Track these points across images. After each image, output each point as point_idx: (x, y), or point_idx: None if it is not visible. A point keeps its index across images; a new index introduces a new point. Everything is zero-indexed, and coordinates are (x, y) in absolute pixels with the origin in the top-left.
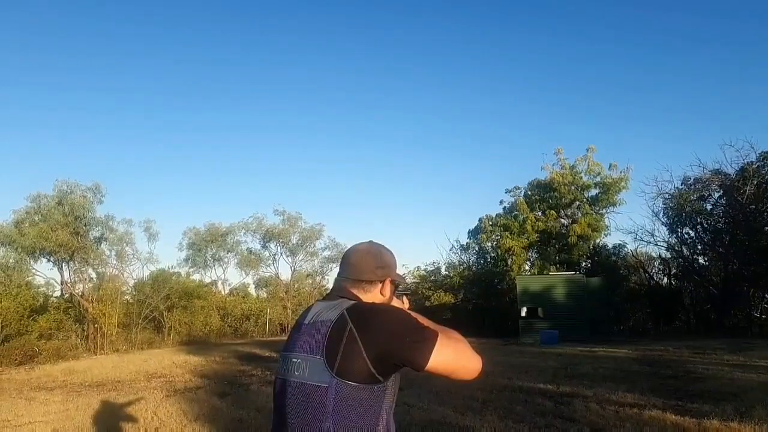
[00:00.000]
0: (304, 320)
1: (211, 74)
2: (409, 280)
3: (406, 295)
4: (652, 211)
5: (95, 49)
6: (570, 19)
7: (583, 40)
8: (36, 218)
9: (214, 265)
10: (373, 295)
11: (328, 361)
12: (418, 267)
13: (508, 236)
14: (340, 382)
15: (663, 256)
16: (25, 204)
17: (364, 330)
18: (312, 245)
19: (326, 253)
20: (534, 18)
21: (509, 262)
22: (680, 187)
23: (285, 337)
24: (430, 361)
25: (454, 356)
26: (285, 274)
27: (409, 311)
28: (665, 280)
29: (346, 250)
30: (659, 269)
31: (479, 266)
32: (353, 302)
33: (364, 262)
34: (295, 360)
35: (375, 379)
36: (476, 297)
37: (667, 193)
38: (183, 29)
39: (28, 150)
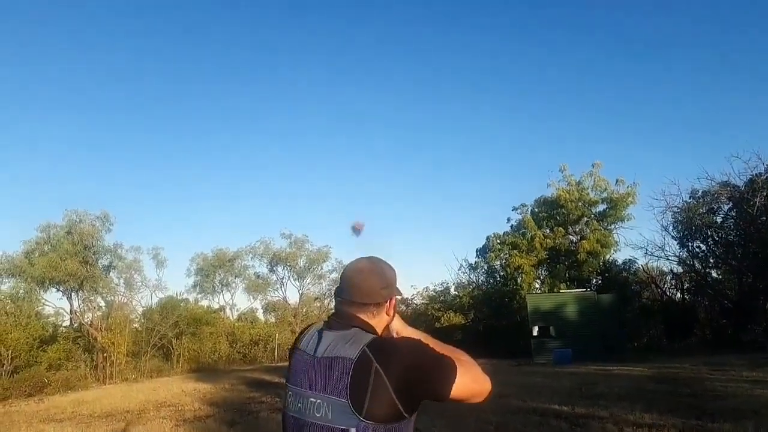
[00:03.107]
0: (315, 352)
1: (215, 98)
2: (417, 301)
3: None
4: (661, 225)
5: (100, 76)
6: (572, 34)
7: (585, 55)
8: (46, 248)
9: (222, 291)
10: (381, 318)
11: (354, 404)
12: (426, 287)
13: (516, 254)
14: (368, 425)
15: (675, 270)
16: (35, 234)
17: (389, 369)
18: (319, 268)
19: (334, 275)
20: (536, 34)
21: (519, 281)
22: (688, 200)
23: None
24: (452, 392)
25: (471, 383)
26: (293, 297)
27: (426, 343)
28: (678, 294)
29: (345, 268)
30: (671, 284)
31: (488, 285)
32: (371, 336)
33: (369, 284)
34: (314, 400)
35: (401, 416)
36: (486, 317)
37: (675, 206)
38: (186, 51)
39: (38, 180)
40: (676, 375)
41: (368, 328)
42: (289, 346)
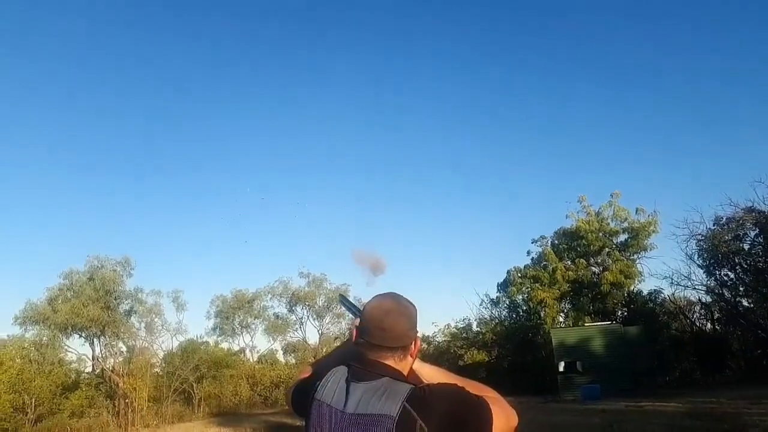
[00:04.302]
0: (345, 407)
1: (231, 140)
2: (439, 338)
3: None
4: (686, 253)
5: (119, 120)
6: (588, 63)
7: (600, 84)
8: (68, 294)
9: (241, 333)
10: (407, 361)
11: None
12: (448, 324)
13: (538, 288)
14: None
15: (703, 300)
16: (58, 281)
17: (432, 425)
18: (338, 307)
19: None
20: (551, 65)
21: (542, 315)
22: (713, 227)
23: None
24: None
25: (505, 421)
26: (312, 338)
27: (463, 387)
28: (708, 325)
29: (367, 308)
30: (701, 314)
31: (511, 320)
32: (408, 388)
33: (399, 327)
34: None
35: None
36: (511, 353)
37: (699, 234)
38: (200, 92)
39: (60, 227)
40: (712, 410)
41: (399, 376)
42: (294, 387)
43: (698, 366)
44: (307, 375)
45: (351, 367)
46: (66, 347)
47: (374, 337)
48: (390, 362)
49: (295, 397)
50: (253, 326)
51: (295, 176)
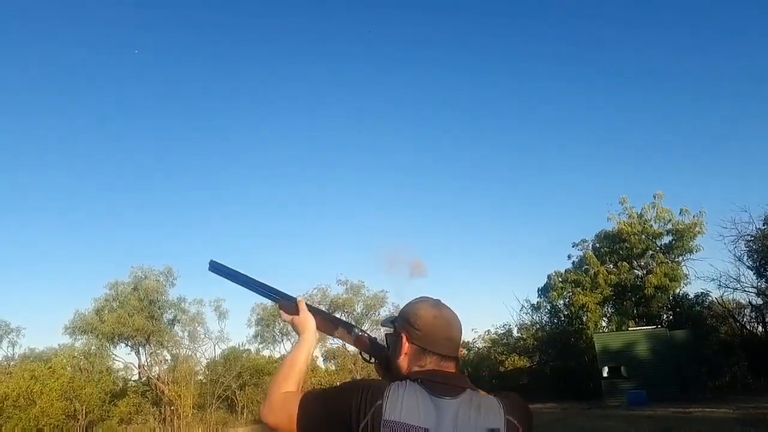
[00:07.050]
0: (440, 427)
1: (264, 152)
2: (480, 344)
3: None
4: (734, 255)
5: (158, 132)
6: (627, 63)
7: (640, 84)
8: (114, 305)
9: (282, 340)
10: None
11: None
12: (488, 330)
13: (580, 292)
14: None
15: (753, 302)
16: (104, 292)
17: (525, 430)
18: (376, 313)
19: None
20: (589, 66)
21: (584, 319)
22: (763, 227)
23: None
24: None
25: None
26: None
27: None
28: (760, 328)
29: (425, 317)
30: (751, 317)
31: (553, 325)
32: (497, 399)
33: (460, 335)
34: None
35: None
36: (553, 359)
37: (748, 235)
38: (244, 103)
39: (106, 238)
40: (764, 416)
41: (474, 386)
42: (307, 402)
43: (749, 370)
44: (296, 390)
45: (422, 381)
46: (113, 356)
47: (442, 347)
48: (457, 371)
49: (321, 418)
50: (293, 334)
51: (336, 184)
